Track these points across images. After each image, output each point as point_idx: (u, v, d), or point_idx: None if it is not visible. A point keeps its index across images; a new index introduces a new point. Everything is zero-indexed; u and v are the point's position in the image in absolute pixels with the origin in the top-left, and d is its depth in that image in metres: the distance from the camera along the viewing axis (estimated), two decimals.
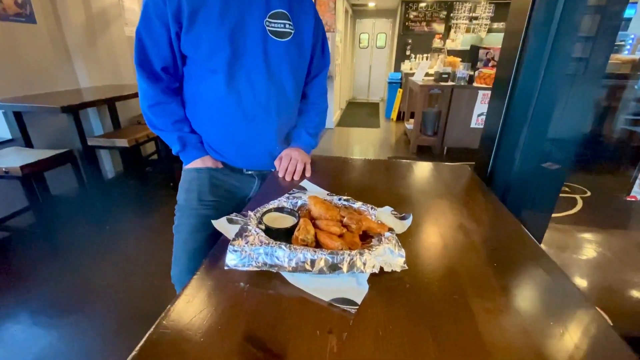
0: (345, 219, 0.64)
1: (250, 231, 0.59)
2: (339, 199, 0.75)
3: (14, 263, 1.87)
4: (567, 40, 0.92)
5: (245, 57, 0.86)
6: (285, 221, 0.64)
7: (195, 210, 0.93)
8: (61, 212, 2.35)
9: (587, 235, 2.30)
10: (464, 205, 0.84)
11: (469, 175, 1.04)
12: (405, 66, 6.20)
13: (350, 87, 8.42)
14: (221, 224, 0.65)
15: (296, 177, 0.97)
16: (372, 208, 0.71)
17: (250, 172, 1.06)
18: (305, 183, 0.92)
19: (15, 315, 1.49)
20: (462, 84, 3.66)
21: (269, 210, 0.67)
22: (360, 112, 6.82)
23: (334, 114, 5.45)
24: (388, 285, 0.54)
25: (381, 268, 0.55)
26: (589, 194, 2.99)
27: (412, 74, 4.57)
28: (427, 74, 4.19)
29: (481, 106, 3.62)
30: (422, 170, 1.09)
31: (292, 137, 1.07)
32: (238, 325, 0.46)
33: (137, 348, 0.42)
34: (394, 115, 6.01)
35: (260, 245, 0.55)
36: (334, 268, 0.53)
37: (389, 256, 0.57)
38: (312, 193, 0.77)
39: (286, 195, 0.76)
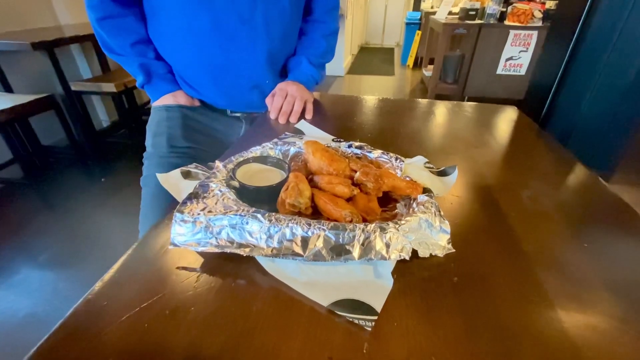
0: (357, 175, 0.43)
1: (212, 191, 0.39)
2: (349, 146, 0.53)
3: (11, 213, 1.80)
4: None
5: None
6: (269, 176, 0.44)
7: (164, 158, 0.73)
8: (53, 163, 2.25)
9: (621, 196, 2.09)
10: (520, 156, 0.62)
11: (518, 120, 0.80)
12: (426, 4, 5.52)
13: (363, 30, 7.68)
14: (170, 180, 0.44)
15: (292, 120, 0.74)
16: (396, 158, 0.49)
17: (236, 114, 0.84)
18: (302, 125, 0.69)
19: (14, 266, 1.45)
20: (492, 21, 3.20)
21: (246, 161, 0.46)
22: (373, 59, 6.30)
23: (344, 60, 4.98)
24: (425, 280, 0.34)
25: (414, 251, 0.35)
26: None
27: (434, 13, 4.04)
28: (450, 13, 3.69)
29: (511, 49, 3.21)
30: (457, 111, 0.84)
31: (290, 67, 0.82)
32: (179, 341, 0.28)
33: None
34: (410, 61, 5.48)
35: (225, 214, 0.35)
36: (338, 252, 0.33)
37: (425, 232, 0.36)
38: (312, 138, 0.55)
39: (274, 140, 0.54)
